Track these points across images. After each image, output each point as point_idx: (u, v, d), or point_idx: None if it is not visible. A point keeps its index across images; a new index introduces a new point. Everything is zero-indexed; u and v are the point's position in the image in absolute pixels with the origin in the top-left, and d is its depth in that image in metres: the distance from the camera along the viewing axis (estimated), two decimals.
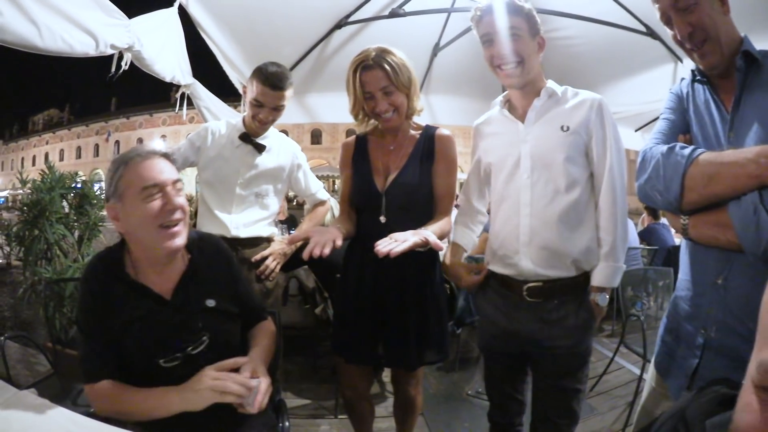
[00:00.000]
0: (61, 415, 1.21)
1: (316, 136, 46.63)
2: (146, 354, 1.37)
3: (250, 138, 2.34)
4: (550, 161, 1.59)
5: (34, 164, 55.36)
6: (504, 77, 1.66)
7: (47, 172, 3.66)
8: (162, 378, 1.34)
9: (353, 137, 2.04)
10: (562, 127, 1.58)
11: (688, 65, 3.84)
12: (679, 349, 1.41)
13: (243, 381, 1.28)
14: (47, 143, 62.69)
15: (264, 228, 2.41)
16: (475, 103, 4.65)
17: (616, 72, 4.20)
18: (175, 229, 1.39)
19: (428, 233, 1.56)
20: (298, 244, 2.38)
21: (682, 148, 1.26)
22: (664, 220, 5.94)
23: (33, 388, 1.37)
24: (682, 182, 1.23)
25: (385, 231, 1.61)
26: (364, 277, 1.88)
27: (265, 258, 2.32)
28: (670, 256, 5.18)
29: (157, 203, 1.35)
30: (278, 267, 2.37)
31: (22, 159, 63.18)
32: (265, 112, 2.25)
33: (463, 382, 3.62)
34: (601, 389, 3.30)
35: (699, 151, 1.23)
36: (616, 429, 2.77)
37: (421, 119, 2.01)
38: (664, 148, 1.30)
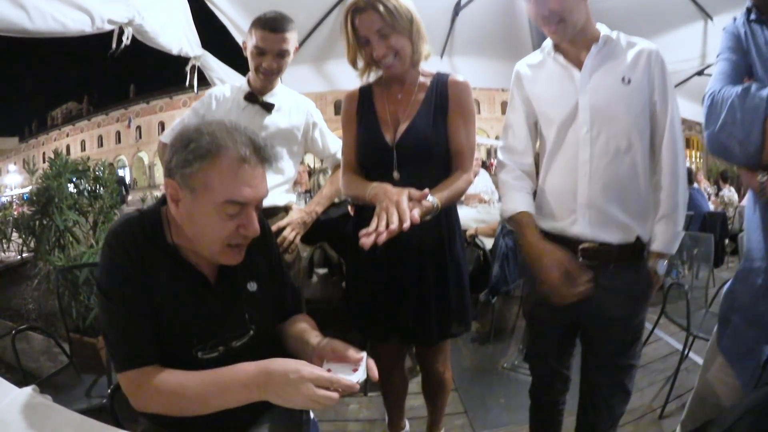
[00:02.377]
0: (58, 415, 1.11)
1: (339, 107, 45.85)
2: (183, 342, 1.17)
3: (255, 97, 2.13)
4: (612, 116, 1.44)
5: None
6: (550, 34, 1.53)
7: (54, 158, 3.56)
8: None
9: (356, 88, 1.83)
10: (623, 79, 1.43)
11: (719, 23, 3.64)
12: (750, 332, 1.27)
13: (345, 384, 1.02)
14: (67, 136, 63.68)
15: (280, 195, 2.19)
16: (501, 65, 4.41)
17: (644, 30, 3.89)
18: (241, 248, 1.20)
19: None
20: (319, 212, 2.21)
21: (759, 89, 1.10)
22: (696, 186, 5.82)
23: (34, 386, 1.21)
24: (763, 128, 1.07)
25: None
26: (376, 246, 1.65)
27: (283, 229, 2.09)
28: (706, 223, 4.98)
29: (233, 223, 1.13)
30: (297, 238, 2.14)
31: (44, 154, 62.87)
32: (269, 59, 2.03)
33: (498, 355, 3.46)
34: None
35: None
36: (657, 405, 2.61)
37: None
38: (738, 89, 1.13)
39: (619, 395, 1.62)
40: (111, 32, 2.23)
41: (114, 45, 2.29)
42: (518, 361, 3.26)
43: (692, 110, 5.13)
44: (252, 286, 1.29)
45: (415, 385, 2.61)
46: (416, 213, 1.31)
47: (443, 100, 1.68)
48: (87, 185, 3.60)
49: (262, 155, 1.15)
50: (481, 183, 5.03)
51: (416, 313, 1.74)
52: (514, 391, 2.87)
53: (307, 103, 2.27)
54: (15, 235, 3.76)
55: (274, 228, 1.99)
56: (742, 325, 1.30)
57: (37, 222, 3.26)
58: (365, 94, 1.79)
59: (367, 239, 1.21)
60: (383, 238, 1.22)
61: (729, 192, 8.36)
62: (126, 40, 2.31)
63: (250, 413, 1.24)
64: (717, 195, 8.71)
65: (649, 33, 3.85)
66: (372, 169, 1.71)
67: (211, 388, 1.08)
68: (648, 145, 1.48)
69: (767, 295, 1.22)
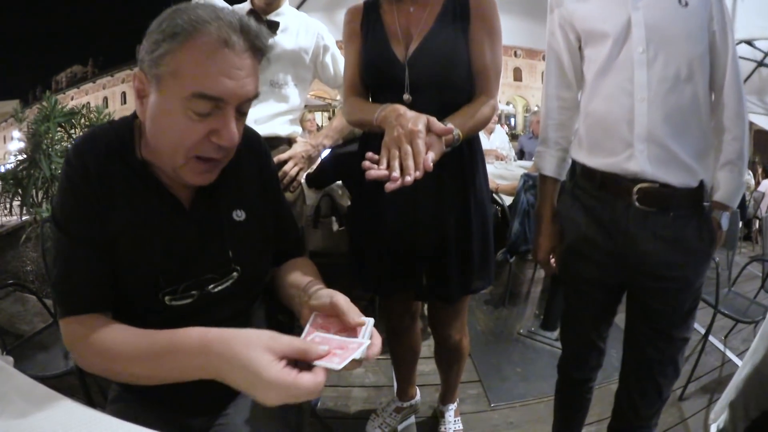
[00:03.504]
0: (9, 380, 0.88)
1: None
2: (148, 282, 0.94)
3: (259, 15, 1.84)
4: (670, 38, 1.25)
5: None
6: None
7: (45, 104, 3.34)
8: (162, 323, 0.86)
9: (360, 3, 1.55)
10: (680, 1, 1.24)
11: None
12: None
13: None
14: (72, 99, 63.05)
15: (282, 125, 1.93)
16: (516, 22, 4.14)
17: None
18: (214, 164, 0.94)
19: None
20: (327, 144, 1.99)
21: None
22: None
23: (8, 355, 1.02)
24: None
25: None
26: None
27: (284, 162, 1.86)
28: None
29: (203, 126, 0.87)
30: (301, 174, 1.91)
31: None
32: None
33: (513, 320, 3.29)
34: None
35: None
36: (677, 386, 2.43)
37: None
38: None
39: (671, 374, 1.41)
40: None
41: None
42: (535, 327, 3.11)
43: None
44: (239, 215, 1.05)
45: (426, 348, 2.43)
46: (431, 157, 1.06)
47: (464, 13, 1.42)
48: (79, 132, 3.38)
49: (253, 40, 0.88)
50: (497, 140, 4.89)
51: (433, 265, 1.52)
52: (532, 360, 2.74)
53: (318, 25, 2.00)
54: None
55: (274, 160, 1.66)
56: None
57: (24, 172, 3.06)
58: (371, 8, 1.51)
59: (374, 172, 1.00)
60: (391, 187, 0.99)
61: (747, 176, 8.24)
62: None
63: None
64: None
65: None
66: (379, 91, 1.47)
67: (144, 351, 0.83)
68: (708, 79, 1.28)
69: None
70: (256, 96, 0.92)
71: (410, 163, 1.02)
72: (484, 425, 2.21)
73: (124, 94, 57.95)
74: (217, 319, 0.91)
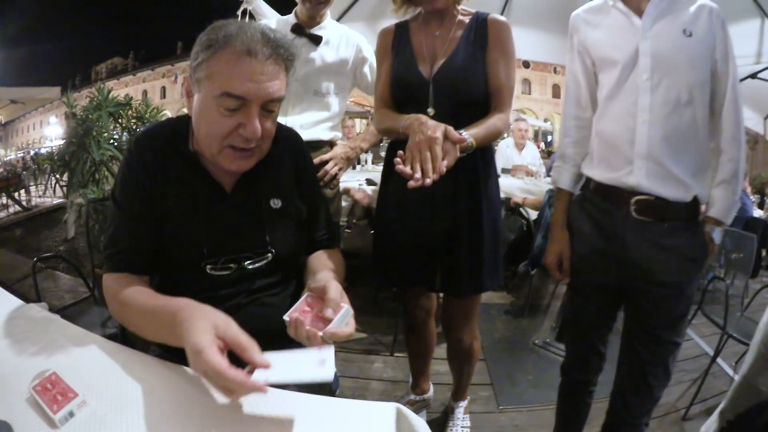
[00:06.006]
0: (60, 329, 1.04)
1: None
2: (191, 252, 1.11)
3: (303, 29, 2.02)
4: (673, 66, 1.39)
5: None
6: None
7: (96, 93, 3.53)
8: (204, 290, 1.08)
9: (392, 24, 1.73)
10: (684, 31, 1.39)
11: None
12: None
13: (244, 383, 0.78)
14: (111, 90, 64.57)
15: (324, 131, 2.09)
16: (555, 39, 4.29)
17: None
18: (246, 153, 1.10)
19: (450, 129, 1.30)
20: (365, 148, 2.12)
21: None
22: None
23: (43, 303, 1.17)
24: None
25: None
26: (408, 191, 1.42)
27: (325, 163, 2.00)
28: (747, 228, 4.77)
29: (231, 121, 1.04)
30: (340, 173, 2.05)
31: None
32: None
33: (530, 331, 3.36)
34: None
35: None
36: (682, 406, 2.48)
37: None
38: None
39: (661, 376, 1.53)
40: None
41: None
42: (550, 339, 3.16)
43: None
44: (275, 203, 1.20)
45: (442, 350, 2.52)
46: (446, 163, 1.22)
47: (483, 38, 1.59)
48: (128, 123, 3.56)
49: (276, 49, 1.05)
50: (529, 155, 4.98)
51: (447, 260, 1.65)
52: (543, 369, 2.79)
53: (358, 37, 2.14)
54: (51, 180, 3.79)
55: (315, 161, 1.88)
56: None
57: (72, 154, 3.25)
58: (401, 30, 1.70)
59: (401, 167, 1.19)
60: (413, 185, 1.18)
61: None
62: None
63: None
64: (761, 206, 8.43)
65: None
66: (406, 104, 1.60)
67: (148, 308, 0.99)
68: (708, 103, 1.42)
69: None
70: (281, 97, 1.09)
71: (429, 166, 1.20)
72: (491, 426, 2.29)
73: (163, 89, 58.61)
74: (250, 290, 1.13)
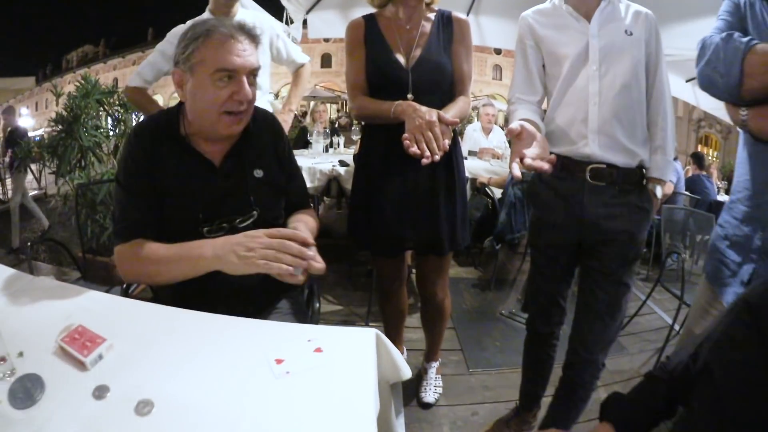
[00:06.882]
0: (76, 293, 1.20)
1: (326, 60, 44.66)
2: (190, 219, 1.33)
3: None
4: (617, 58, 1.66)
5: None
6: None
7: (83, 82, 3.62)
8: None
9: (360, 17, 1.92)
10: (626, 31, 1.67)
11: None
12: (734, 255, 1.40)
13: (300, 252, 1.13)
14: (98, 79, 62.73)
15: (265, 105, 2.38)
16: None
17: (673, 13, 3.83)
18: (239, 116, 1.33)
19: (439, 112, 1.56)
20: (294, 109, 2.50)
21: (740, 36, 1.27)
22: (706, 174, 5.95)
23: (52, 276, 1.31)
24: (741, 67, 1.23)
25: None
26: (390, 163, 1.82)
27: None
28: (712, 210, 5.04)
29: (226, 90, 1.28)
30: None
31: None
32: None
33: (497, 302, 3.58)
34: (631, 330, 3.24)
35: (755, 41, 1.23)
36: (645, 371, 2.68)
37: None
38: (723, 34, 1.31)
39: (614, 313, 1.73)
40: None
41: None
42: (516, 309, 3.37)
43: (714, 103, 5.08)
44: (258, 173, 1.43)
45: (414, 319, 2.74)
46: (447, 143, 1.49)
47: (449, 33, 1.84)
48: (111, 110, 3.66)
49: (249, 32, 1.32)
50: (495, 139, 5.15)
51: (429, 222, 1.87)
52: (510, 336, 2.99)
53: (268, 18, 2.46)
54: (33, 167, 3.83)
55: None
56: (727, 249, 1.43)
57: (61, 142, 3.35)
58: (371, 22, 1.88)
59: (414, 149, 1.44)
60: (426, 162, 1.42)
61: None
62: None
63: (265, 295, 1.40)
64: (728, 191, 8.78)
65: (679, 16, 3.75)
66: (382, 91, 1.80)
67: (174, 252, 1.24)
68: (644, 86, 1.69)
69: (748, 219, 1.36)
70: (259, 67, 1.35)
71: (434, 146, 1.46)
72: (462, 387, 2.49)
73: None
74: None
